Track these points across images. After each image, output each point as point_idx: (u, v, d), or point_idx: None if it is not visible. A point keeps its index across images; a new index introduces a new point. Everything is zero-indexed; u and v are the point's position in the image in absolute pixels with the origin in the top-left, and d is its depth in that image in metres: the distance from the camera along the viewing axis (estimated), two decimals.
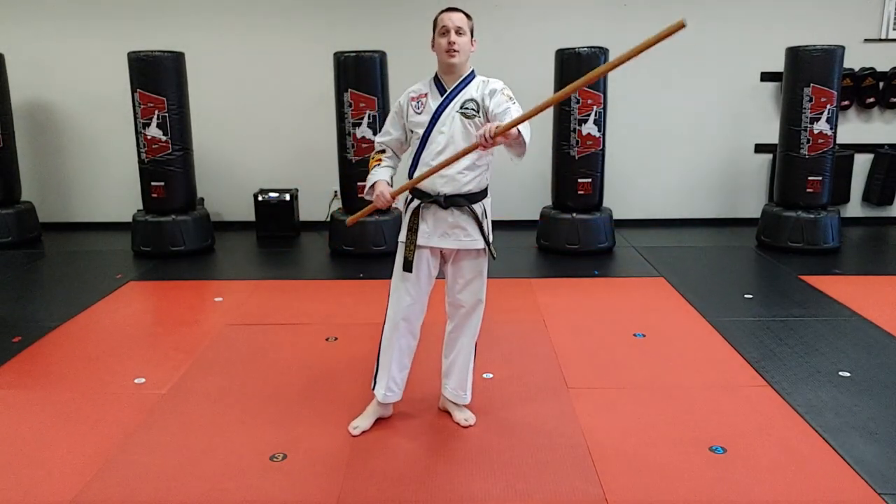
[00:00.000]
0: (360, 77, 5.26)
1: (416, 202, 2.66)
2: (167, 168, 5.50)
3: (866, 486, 2.41)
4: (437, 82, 2.65)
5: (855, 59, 6.09)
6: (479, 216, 2.65)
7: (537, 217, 5.86)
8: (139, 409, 2.98)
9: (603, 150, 5.51)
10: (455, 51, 2.55)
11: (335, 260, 5.48)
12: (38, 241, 6.13)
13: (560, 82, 5.45)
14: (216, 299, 4.47)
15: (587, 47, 5.34)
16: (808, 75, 5.39)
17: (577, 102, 5.35)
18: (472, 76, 2.64)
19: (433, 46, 2.63)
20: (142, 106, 5.37)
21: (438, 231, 2.64)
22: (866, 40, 6.22)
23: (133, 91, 5.40)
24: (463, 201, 2.61)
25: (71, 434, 2.78)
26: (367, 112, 5.30)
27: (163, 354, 3.59)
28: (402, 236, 2.70)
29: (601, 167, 5.55)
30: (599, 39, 5.58)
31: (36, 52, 6.27)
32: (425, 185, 2.60)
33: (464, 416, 2.87)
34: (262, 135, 6.42)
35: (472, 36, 2.63)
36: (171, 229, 5.52)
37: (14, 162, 6.05)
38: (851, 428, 2.80)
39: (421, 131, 2.62)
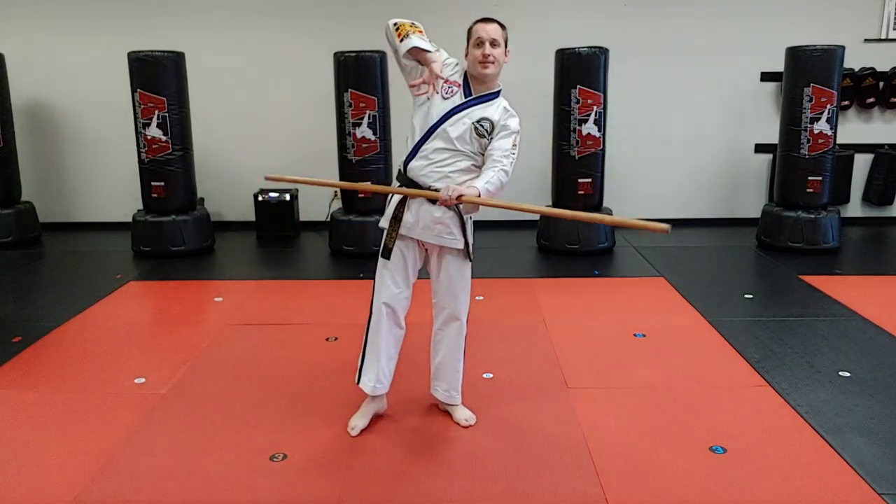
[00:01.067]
0: (360, 77, 5.26)
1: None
2: (167, 168, 5.50)
3: (866, 486, 2.41)
4: (466, 83, 2.63)
5: (855, 59, 6.08)
6: (465, 217, 2.66)
7: (537, 217, 5.86)
8: (139, 409, 2.98)
9: (603, 150, 5.51)
10: (490, 62, 2.56)
11: (335, 260, 5.48)
12: (38, 241, 6.13)
13: (560, 82, 5.45)
14: (216, 299, 4.47)
15: (587, 47, 5.34)
16: (808, 75, 5.39)
17: (577, 102, 5.35)
18: (497, 94, 2.65)
19: (466, 55, 2.63)
20: (142, 106, 5.37)
21: (422, 223, 2.63)
22: (866, 40, 6.22)
23: (133, 91, 5.40)
24: None
25: (71, 434, 2.78)
26: (367, 112, 5.30)
27: (163, 354, 3.59)
28: (384, 223, 2.72)
29: (601, 167, 5.55)
30: (599, 39, 5.58)
31: (36, 52, 6.27)
32: (418, 178, 2.60)
33: (464, 416, 2.87)
34: (262, 135, 6.42)
35: (506, 47, 2.63)
36: (171, 229, 5.52)
37: (14, 162, 6.05)
38: (851, 428, 2.80)
39: (432, 122, 2.59)
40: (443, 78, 2.61)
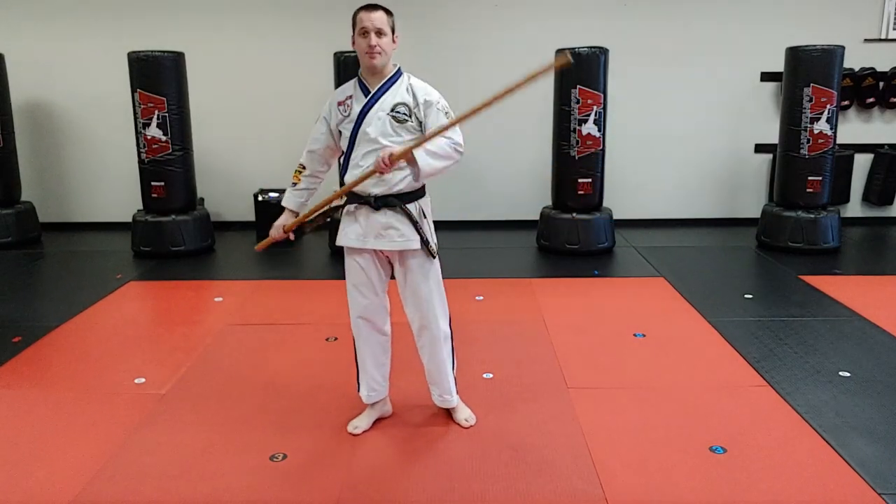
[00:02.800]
0: None
1: (346, 203, 2.67)
2: (167, 168, 5.50)
3: (866, 486, 2.41)
4: (361, 83, 2.60)
5: (855, 59, 6.09)
6: (416, 216, 2.60)
7: (537, 217, 5.86)
8: (139, 409, 2.98)
9: (603, 150, 5.51)
10: (377, 53, 2.49)
11: (335, 260, 5.48)
12: (38, 241, 6.13)
13: (560, 82, 5.45)
14: (216, 299, 4.47)
15: (587, 47, 5.34)
16: (808, 75, 5.39)
17: (577, 102, 5.35)
18: (397, 75, 2.60)
19: (353, 44, 2.56)
20: (142, 106, 5.37)
21: (373, 232, 2.60)
22: (866, 40, 6.22)
23: (133, 91, 5.40)
24: (395, 201, 2.57)
25: (71, 434, 2.78)
26: None
27: (163, 354, 3.59)
28: (338, 239, 2.73)
29: (601, 167, 5.55)
30: (599, 39, 5.58)
31: (36, 52, 6.27)
32: (356, 188, 2.57)
33: (464, 417, 2.87)
34: (262, 135, 6.42)
35: (393, 33, 2.56)
36: (171, 229, 5.52)
37: (14, 162, 6.05)
38: (851, 428, 2.80)
39: (348, 133, 2.59)
40: (286, 234, 2.75)
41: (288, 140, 6.42)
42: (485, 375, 3.29)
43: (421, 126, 2.56)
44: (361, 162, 2.56)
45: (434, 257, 2.68)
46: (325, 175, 2.81)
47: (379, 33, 2.48)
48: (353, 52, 2.51)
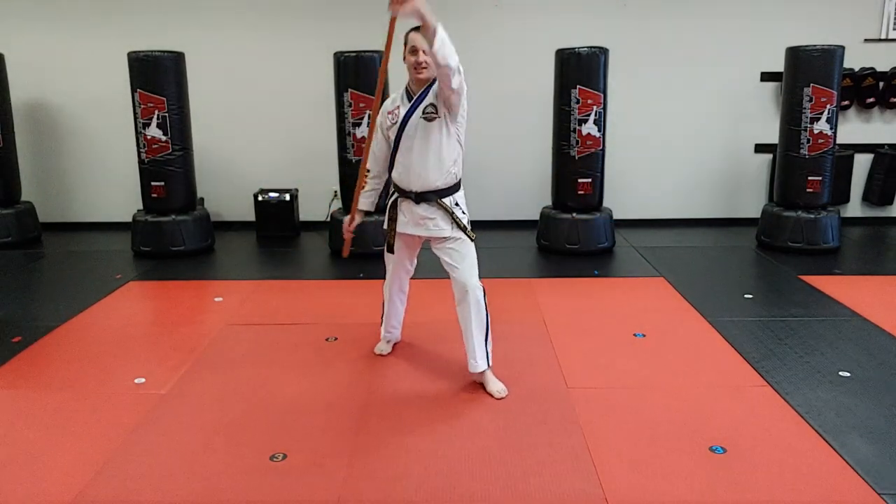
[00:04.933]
0: (360, 77, 5.25)
1: (394, 196, 3.13)
2: (167, 168, 5.50)
3: (866, 486, 2.41)
4: (408, 92, 3.02)
5: (855, 59, 6.09)
6: (449, 207, 3.03)
7: (537, 217, 5.86)
8: (139, 409, 2.98)
9: (603, 150, 5.51)
10: (423, 68, 2.91)
11: (335, 260, 5.48)
12: (38, 241, 6.13)
13: (560, 82, 5.46)
14: (216, 299, 4.47)
15: (587, 47, 5.34)
16: (808, 75, 5.39)
17: (577, 102, 5.35)
18: (433, 81, 2.94)
19: (404, 59, 2.96)
20: (142, 106, 5.37)
21: (413, 221, 3.08)
22: (866, 40, 6.23)
23: (133, 91, 5.40)
24: (432, 196, 3.01)
25: (71, 434, 2.78)
26: (368, 112, 5.29)
27: (163, 354, 3.59)
28: (385, 223, 3.21)
29: (601, 167, 5.55)
30: (599, 39, 5.59)
31: (36, 52, 6.27)
32: (401, 183, 3.05)
33: (496, 389, 3.08)
34: (262, 135, 6.42)
35: None
36: (171, 229, 5.52)
37: (14, 162, 6.05)
38: (851, 428, 2.80)
39: (394, 136, 3.03)
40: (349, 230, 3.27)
41: (288, 140, 6.44)
42: None
43: (446, 119, 2.94)
44: (403, 161, 3.02)
45: (472, 239, 3.09)
46: (387, 176, 3.23)
47: (426, 51, 2.83)
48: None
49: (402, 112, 2.99)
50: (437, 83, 2.89)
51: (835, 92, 5.38)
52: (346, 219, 3.25)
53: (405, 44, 2.95)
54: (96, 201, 6.58)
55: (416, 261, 3.39)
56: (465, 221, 3.07)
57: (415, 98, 2.97)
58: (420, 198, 3.02)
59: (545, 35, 6.08)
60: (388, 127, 3.07)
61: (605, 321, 4.04)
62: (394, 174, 3.09)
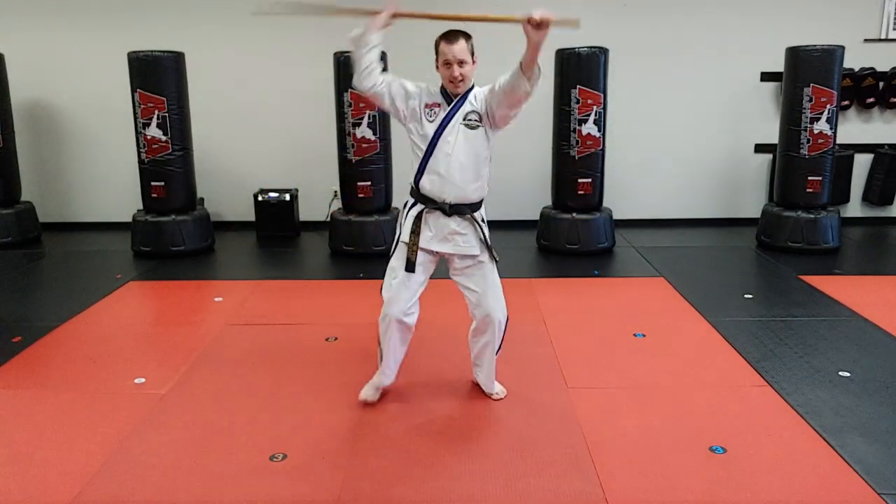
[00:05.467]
0: None
1: (418, 207, 2.78)
2: (167, 168, 5.50)
3: (866, 486, 2.41)
4: (445, 93, 2.74)
5: (855, 59, 6.08)
6: (480, 223, 2.79)
7: (537, 217, 5.86)
8: (139, 409, 2.98)
9: (603, 150, 5.51)
10: (460, 82, 2.67)
11: (335, 260, 5.48)
12: (38, 241, 6.13)
13: (560, 82, 5.46)
14: (216, 299, 4.47)
15: (587, 47, 5.34)
16: (808, 75, 5.39)
17: (577, 102, 5.35)
18: (471, 89, 2.74)
19: (437, 68, 2.71)
20: (142, 106, 5.37)
21: (439, 236, 2.77)
22: (866, 40, 6.22)
23: (133, 91, 5.40)
24: (466, 209, 2.76)
25: (71, 434, 2.78)
26: (367, 112, 5.30)
27: (163, 354, 3.59)
28: (405, 237, 2.81)
29: (601, 167, 5.55)
30: (599, 39, 5.58)
31: (36, 52, 6.27)
32: (432, 192, 2.72)
33: (496, 390, 3.06)
34: (262, 135, 6.42)
35: (472, 56, 2.69)
36: (171, 229, 5.52)
37: (14, 162, 6.06)
38: (851, 428, 2.79)
39: (427, 140, 2.71)
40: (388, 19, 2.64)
41: (288, 140, 6.44)
42: None
43: (487, 130, 2.72)
44: (438, 168, 2.69)
45: (496, 261, 2.86)
46: (375, 72, 2.71)
47: (461, 63, 2.64)
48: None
49: (441, 115, 2.71)
50: (473, 89, 2.72)
51: (835, 92, 5.38)
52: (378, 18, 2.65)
53: (438, 54, 2.69)
54: (96, 201, 6.58)
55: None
56: (489, 241, 2.85)
57: (454, 102, 2.72)
58: (454, 210, 2.74)
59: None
60: (418, 118, 2.73)
61: (605, 321, 4.04)
62: (423, 182, 2.74)
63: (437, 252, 2.81)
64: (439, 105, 2.72)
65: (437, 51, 2.70)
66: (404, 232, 2.82)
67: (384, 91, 2.72)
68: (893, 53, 6.25)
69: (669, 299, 4.43)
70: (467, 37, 2.67)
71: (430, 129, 2.71)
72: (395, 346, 2.90)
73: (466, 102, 2.71)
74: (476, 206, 2.79)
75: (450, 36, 2.65)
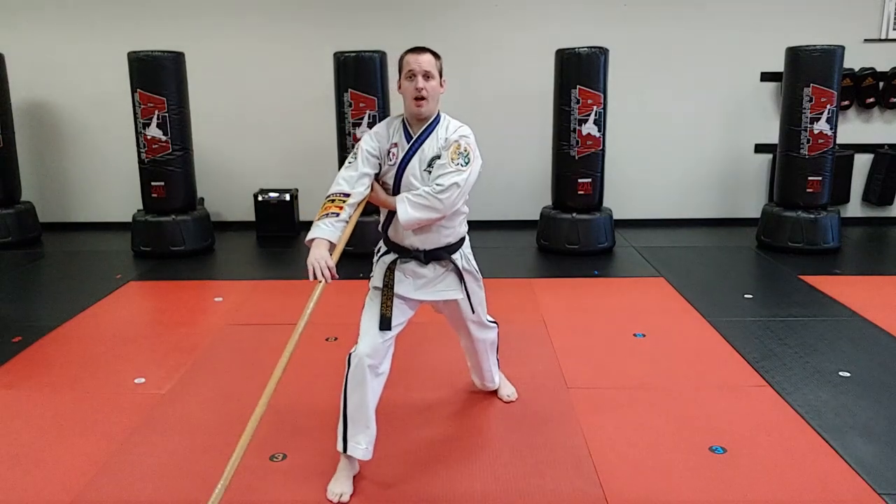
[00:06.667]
0: (360, 77, 5.25)
1: (390, 256, 2.53)
2: (167, 168, 5.50)
3: (866, 486, 2.41)
4: (406, 129, 2.47)
5: (855, 59, 6.08)
6: (461, 264, 2.58)
7: (537, 217, 5.86)
8: (139, 409, 2.98)
9: (603, 150, 5.51)
10: (423, 98, 2.38)
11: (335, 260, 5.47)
12: (38, 241, 6.13)
13: (560, 82, 5.46)
14: (216, 299, 4.47)
15: (587, 47, 5.34)
16: (808, 75, 5.39)
17: (577, 102, 5.35)
18: (436, 121, 2.47)
19: (399, 88, 2.45)
20: (142, 106, 5.37)
21: (418, 284, 2.53)
22: (866, 40, 6.22)
23: (133, 91, 5.40)
24: (443, 254, 2.53)
25: (71, 434, 2.78)
26: (367, 112, 5.29)
27: (163, 354, 3.59)
28: (377, 282, 2.54)
29: (601, 167, 5.55)
30: (599, 39, 5.58)
31: (36, 52, 6.27)
32: (402, 241, 2.49)
33: (507, 393, 3.02)
34: (262, 135, 6.42)
35: (440, 76, 2.45)
36: (171, 229, 5.52)
37: (14, 162, 6.05)
38: (851, 428, 2.80)
39: (391, 182, 2.46)
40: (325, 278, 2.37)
41: (288, 140, 6.44)
42: None
43: None
44: (411, 209, 2.35)
45: (479, 279, 2.71)
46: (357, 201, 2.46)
47: (427, 76, 2.38)
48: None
49: (400, 155, 2.43)
50: (441, 125, 2.45)
51: (835, 92, 5.38)
52: (327, 264, 2.38)
53: (400, 69, 2.43)
54: (96, 201, 6.59)
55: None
56: (473, 265, 2.66)
57: (414, 139, 2.43)
58: (429, 257, 2.50)
59: (545, 35, 6.08)
60: (385, 171, 2.46)
61: (605, 321, 4.04)
62: (391, 231, 2.51)
63: (416, 300, 2.55)
64: (397, 145, 2.44)
65: (400, 66, 2.43)
66: (375, 277, 2.56)
67: (367, 181, 2.44)
68: (893, 53, 6.25)
69: (669, 299, 4.43)
70: (437, 55, 2.45)
71: (391, 174, 2.44)
72: (370, 399, 2.44)
73: (430, 138, 2.43)
74: (454, 247, 2.56)
75: (417, 48, 2.44)
